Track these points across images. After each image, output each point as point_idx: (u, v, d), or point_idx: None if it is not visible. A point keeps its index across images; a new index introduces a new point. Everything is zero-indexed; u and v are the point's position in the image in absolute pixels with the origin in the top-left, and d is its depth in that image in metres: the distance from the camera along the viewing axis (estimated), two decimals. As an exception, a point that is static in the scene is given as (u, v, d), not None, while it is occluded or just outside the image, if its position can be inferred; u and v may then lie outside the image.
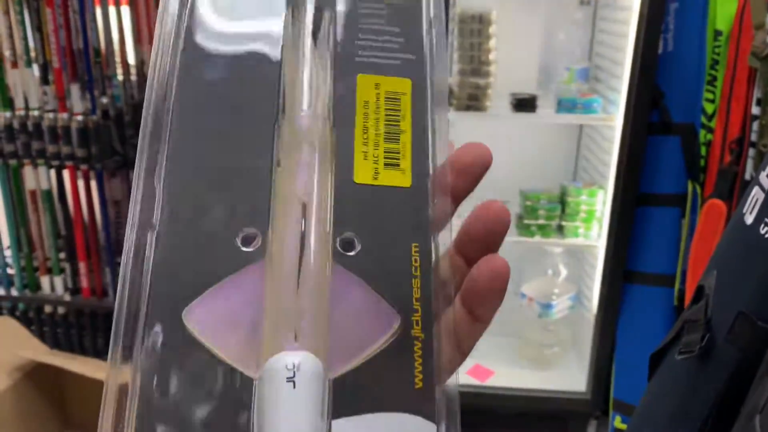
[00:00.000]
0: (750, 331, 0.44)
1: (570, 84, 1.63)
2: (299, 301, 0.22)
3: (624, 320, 1.60)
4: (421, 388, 0.22)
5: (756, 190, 0.48)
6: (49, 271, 1.78)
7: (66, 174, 1.69)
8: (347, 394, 0.21)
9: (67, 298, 1.78)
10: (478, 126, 1.75)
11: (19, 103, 1.65)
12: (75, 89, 1.62)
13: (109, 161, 1.67)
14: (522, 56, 1.73)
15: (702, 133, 1.44)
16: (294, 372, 0.20)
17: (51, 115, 1.64)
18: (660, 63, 1.44)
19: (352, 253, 0.24)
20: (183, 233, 0.23)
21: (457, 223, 0.25)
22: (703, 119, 1.43)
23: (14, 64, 1.63)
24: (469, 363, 1.77)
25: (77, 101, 1.62)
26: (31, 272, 1.78)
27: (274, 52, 0.27)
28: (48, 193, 1.71)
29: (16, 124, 1.65)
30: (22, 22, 1.61)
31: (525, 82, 1.69)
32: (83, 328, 1.82)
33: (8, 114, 1.65)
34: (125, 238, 0.23)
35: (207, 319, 0.22)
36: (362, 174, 0.25)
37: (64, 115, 1.63)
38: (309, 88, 0.26)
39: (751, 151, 1.30)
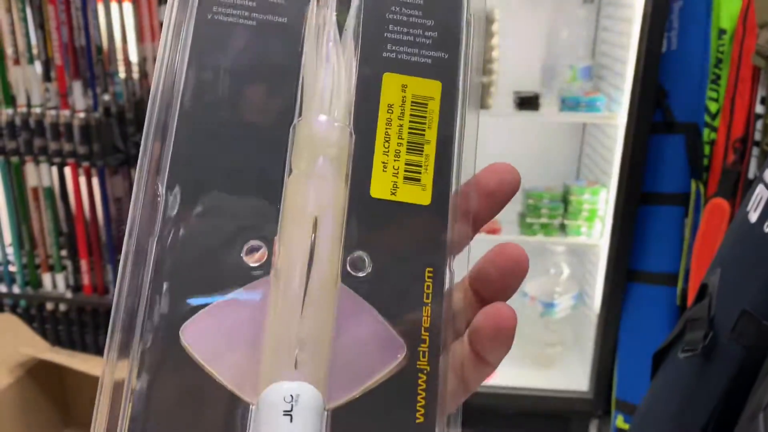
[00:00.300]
0: (754, 329, 0.44)
1: (573, 82, 1.62)
2: (302, 327, 0.21)
3: (626, 319, 1.60)
4: (423, 422, 0.21)
5: (760, 188, 0.48)
6: (50, 269, 1.78)
7: (68, 171, 1.69)
8: (346, 426, 0.21)
9: (69, 295, 1.78)
10: (480, 124, 1.72)
11: (21, 100, 1.65)
12: (77, 86, 1.62)
13: (111, 158, 1.67)
14: (525, 54, 1.72)
15: (705, 132, 1.43)
16: (292, 405, 0.20)
17: (53, 112, 1.64)
18: (663, 61, 1.44)
19: (361, 275, 0.23)
20: (186, 239, 0.22)
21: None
22: (707, 118, 1.43)
23: (16, 61, 1.63)
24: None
25: (79, 98, 1.62)
26: (32, 269, 1.78)
27: (295, 41, 0.25)
28: (50, 191, 1.71)
29: (18, 121, 1.65)
30: (25, 19, 1.61)
31: (528, 81, 1.68)
32: (85, 325, 1.82)
33: (10, 111, 1.65)
34: (124, 241, 0.22)
35: (205, 338, 0.21)
36: (379, 188, 0.24)
37: (66, 113, 1.63)
38: (329, 90, 0.24)
39: (755, 150, 1.29)
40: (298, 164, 0.23)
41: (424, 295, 0.22)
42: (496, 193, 0.24)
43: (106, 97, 1.65)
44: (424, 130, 0.24)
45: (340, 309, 0.22)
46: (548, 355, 1.81)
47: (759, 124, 1.29)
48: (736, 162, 1.33)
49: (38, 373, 1.22)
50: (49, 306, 1.81)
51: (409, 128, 0.24)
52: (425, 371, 0.22)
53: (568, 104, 1.58)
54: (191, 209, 0.22)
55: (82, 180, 1.69)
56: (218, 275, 0.22)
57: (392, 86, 0.25)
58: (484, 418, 1.71)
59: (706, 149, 1.44)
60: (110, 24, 1.66)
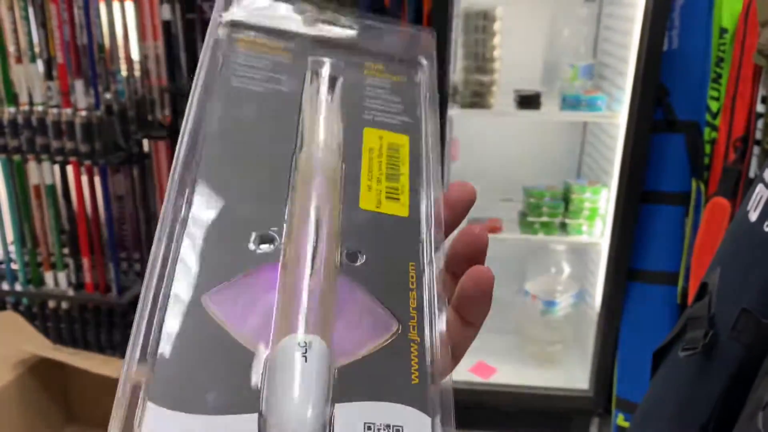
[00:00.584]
0: (754, 328, 0.44)
1: (574, 81, 1.62)
2: (309, 298, 0.24)
3: (627, 318, 1.60)
4: (418, 383, 0.24)
5: (760, 187, 0.48)
6: (52, 267, 1.79)
7: (70, 169, 1.69)
8: (349, 382, 0.23)
9: (71, 293, 1.78)
10: (482, 123, 1.75)
11: (23, 98, 1.66)
12: (79, 85, 1.62)
13: (113, 156, 1.68)
14: (526, 53, 1.72)
15: (706, 131, 1.43)
16: (306, 349, 0.22)
17: (55, 110, 1.64)
18: (665, 60, 1.44)
19: (356, 264, 0.27)
20: (208, 235, 0.26)
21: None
22: (708, 117, 1.43)
23: (18, 60, 1.64)
24: (472, 360, 1.77)
25: (81, 97, 1.63)
26: (34, 267, 1.79)
27: (296, 99, 0.32)
28: (52, 189, 1.71)
29: (20, 120, 1.66)
30: (27, 18, 1.61)
31: (529, 79, 1.69)
32: (86, 323, 1.82)
33: (12, 109, 1.66)
34: (155, 239, 0.25)
35: (224, 306, 0.24)
36: (367, 202, 0.29)
37: (68, 111, 1.64)
38: (324, 129, 0.31)
39: (756, 149, 1.30)
40: (301, 182, 0.28)
41: (410, 283, 0.27)
42: (456, 206, 0.30)
43: (108, 96, 1.66)
44: (398, 165, 0.31)
45: (339, 289, 0.26)
46: (549, 354, 1.81)
47: (760, 123, 1.29)
48: (736, 161, 1.33)
49: (40, 370, 1.23)
50: (51, 304, 1.82)
51: (387, 164, 0.31)
52: (416, 341, 0.25)
53: (569, 103, 1.58)
54: (214, 210, 0.27)
55: (84, 178, 1.69)
56: (235, 260, 0.25)
57: (371, 137, 0.32)
58: (485, 415, 1.71)
59: (707, 148, 1.44)
60: (112, 22, 1.66)
